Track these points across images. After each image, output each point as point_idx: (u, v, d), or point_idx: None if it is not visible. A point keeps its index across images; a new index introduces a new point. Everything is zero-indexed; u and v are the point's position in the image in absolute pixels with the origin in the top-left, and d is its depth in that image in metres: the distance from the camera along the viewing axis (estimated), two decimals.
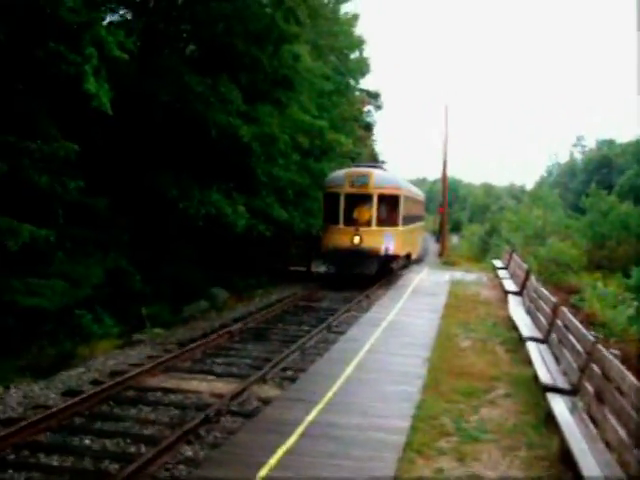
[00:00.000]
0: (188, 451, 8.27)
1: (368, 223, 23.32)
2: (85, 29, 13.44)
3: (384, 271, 24.04)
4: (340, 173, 24.72)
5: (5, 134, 12.61)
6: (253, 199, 22.16)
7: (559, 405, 8.13)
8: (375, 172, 24.32)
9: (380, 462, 7.18)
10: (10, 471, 7.61)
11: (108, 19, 18.89)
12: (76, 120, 15.52)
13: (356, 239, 22.84)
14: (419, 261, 34.32)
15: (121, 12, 20.33)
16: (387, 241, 23.10)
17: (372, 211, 23.35)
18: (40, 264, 14.31)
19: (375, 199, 23.36)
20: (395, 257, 24.28)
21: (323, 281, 24.39)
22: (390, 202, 24.16)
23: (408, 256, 28.09)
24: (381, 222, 23.54)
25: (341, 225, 23.45)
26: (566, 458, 6.99)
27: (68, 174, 14.19)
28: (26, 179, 12.97)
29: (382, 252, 22.97)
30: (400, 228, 24.21)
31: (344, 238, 23.06)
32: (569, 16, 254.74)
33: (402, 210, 24.31)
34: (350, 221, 23.50)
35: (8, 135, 12.56)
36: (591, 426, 7.31)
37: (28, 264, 13.95)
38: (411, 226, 28.07)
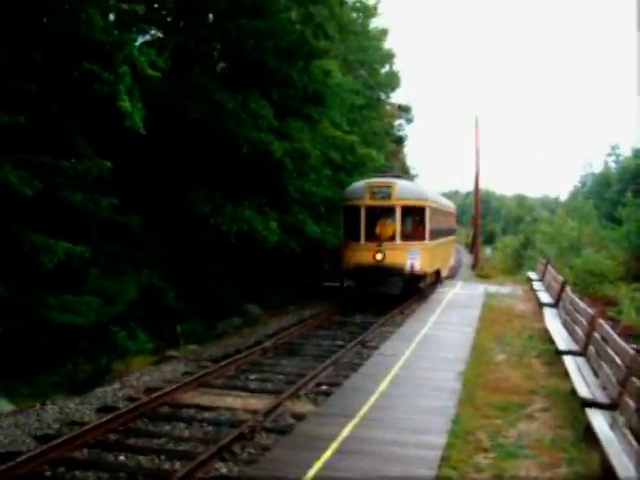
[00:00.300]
0: (222, 468, 8.24)
1: (391, 238, 21.43)
2: (118, 49, 13.65)
3: (410, 291, 22.01)
4: (360, 184, 22.53)
5: (40, 153, 12.80)
6: (285, 215, 22.23)
7: (599, 420, 7.95)
8: (398, 182, 22.21)
9: (416, 479, 7.08)
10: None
11: (140, 40, 19.18)
12: (109, 138, 15.73)
13: (378, 255, 20.99)
14: (451, 277, 33.26)
15: (152, 32, 20.61)
16: (412, 257, 21.15)
17: (395, 225, 21.48)
18: (75, 281, 14.47)
19: (399, 212, 21.45)
20: (422, 275, 21.96)
21: (354, 298, 22.45)
22: (415, 215, 22.41)
23: (437, 273, 25.98)
24: (406, 237, 21.66)
25: (362, 241, 21.50)
26: (608, 475, 6.81)
27: (101, 191, 14.37)
28: (60, 197, 13.14)
29: (407, 269, 21.03)
30: (427, 243, 22.11)
31: (365, 255, 21.22)
32: (601, 24, 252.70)
33: (429, 223, 22.36)
34: (372, 236, 21.61)
35: (43, 154, 12.74)
36: (633, 442, 7.12)
37: (63, 281, 14.13)
38: (440, 240, 26.07)
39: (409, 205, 21.80)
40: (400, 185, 21.99)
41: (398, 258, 21.06)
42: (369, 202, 21.66)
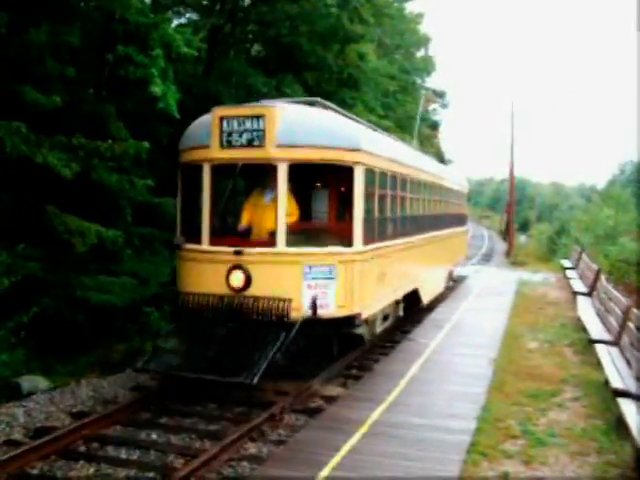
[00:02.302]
0: (252, 448, 8.33)
1: (270, 238, 10.03)
2: (153, 29, 13.73)
3: (324, 350, 11.78)
4: (206, 119, 10.48)
5: (77, 135, 12.94)
6: None
7: (631, 410, 7.89)
8: (282, 108, 10.08)
9: (444, 463, 7.10)
10: (81, 462, 7.84)
11: (175, 22, 19.29)
12: (143, 120, 15.85)
13: (235, 278, 9.75)
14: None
15: (188, 15, 20.73)
16: (316, 284, 9.86)
17: (277, 207, 9.86)
18: (110, 262, 14.66)
19: (282, 176, 9.78)
20: (347, 320, 10.34)
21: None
22: (329, 184, 12.01)
23: (411, 299, 14.90)
24: (303, 234, 10.45)
25: (204, 243, 10.19)
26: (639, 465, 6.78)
27: (137, 174, 14.52)
28: (96, 178, 13.29)
29: (301, 312, 9.70)
30: (359, 249, 10.43)
31: (209, 276, 9.99)
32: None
33: (363, 202, 10.51)
34: (225, 232, 10.53)
35: (80, 136, 12.88)
36: None
37: (99, 261, 14.33)
38: (416, 239, 14.74)
39: (310, 160, 10.02)
40: (286, 115, 9.93)
41: (279, 284, 9.72)
42: (219, 154, 10.00)
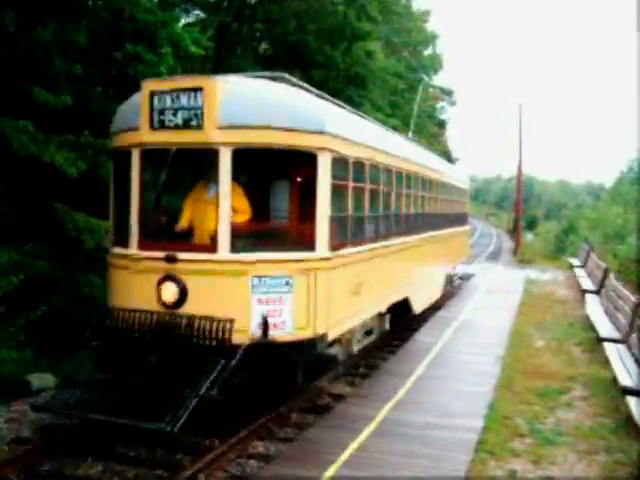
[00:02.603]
0: (260, 446, 8.33)
1: (211, 244, 8.06)
2: (161, 27, 13.75)
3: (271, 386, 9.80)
4: (136, 99, 8.64)
5: (84, 134, 12.95)
6: None
7: None
8: (224, 80, 8.12)
9: (451, 462, 7.09)
10: (89, 459, 7.83)
11: (183, 21, 19.33)
12: None
13: (167, 291, 7.90)
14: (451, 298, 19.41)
15: (195, 13, 20.76)
16: (268, 299, 7.93)
17: (220, 204, 7.91)
18: None
19: (225, 163, 7.87)
20: (309, 343, 8.31)
21: None
22: (290, 175, 10.17)
23: (401, 309, 13.01)
24: (255, 237, 8.71)
25: (132, 247, 8.37)
26: None
27: None
28: (103, 175, 13.30)
29: (248, 334, 7.78)
30: (324, 255, 8.46)
31: (138, 287, 8.18)
32: None
33: (327, 198, 8.51)
34: (159, 234, 8.68)
35: (87, 134, 12.90)
36: None
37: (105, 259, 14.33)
38: (401, 241, 12.47)
39: (259, 144, 8.07)
40: (230, 89, 8.05)
41: (220, 300, 7.85)
42: (149, 137, 8.21)
